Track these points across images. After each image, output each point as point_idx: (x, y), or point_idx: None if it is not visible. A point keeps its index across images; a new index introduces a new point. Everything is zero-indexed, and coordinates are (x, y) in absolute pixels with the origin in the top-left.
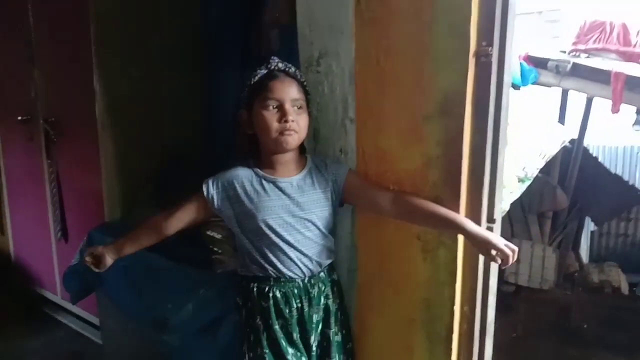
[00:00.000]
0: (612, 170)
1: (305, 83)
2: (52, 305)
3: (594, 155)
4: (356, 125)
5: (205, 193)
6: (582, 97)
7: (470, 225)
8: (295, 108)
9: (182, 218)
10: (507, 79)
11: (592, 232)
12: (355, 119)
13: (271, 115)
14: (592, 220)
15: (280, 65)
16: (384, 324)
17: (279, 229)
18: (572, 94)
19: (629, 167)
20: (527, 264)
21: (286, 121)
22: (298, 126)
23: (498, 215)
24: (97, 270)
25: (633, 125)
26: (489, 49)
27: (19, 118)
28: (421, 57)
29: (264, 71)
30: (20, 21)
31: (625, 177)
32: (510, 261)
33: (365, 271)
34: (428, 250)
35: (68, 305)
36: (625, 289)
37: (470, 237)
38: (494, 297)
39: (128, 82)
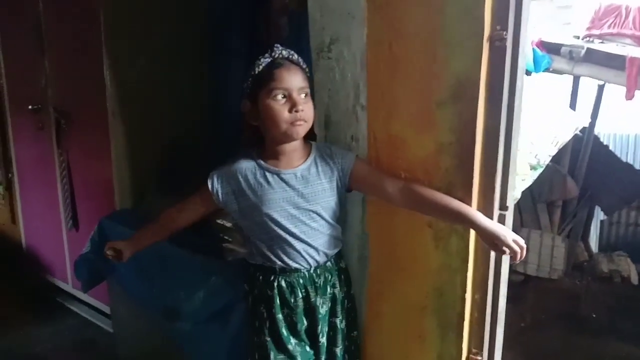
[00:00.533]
0: (623, 159)
1: (307, 70)
2: (63, 293)
3: (605, 143)
4: (367, 111)
5: (210, 187)
6: (593, 85)
7: (480, 218)
8: (302, 96)
9: (191, 212)
10: (522, 64)
11: (601, 222)
12: (367, 106)
13: (280, 106)
14: (601, 210)
15: (284, 52)
16: (395, 311)
17: (283, 222)
18: (583, 80)
19: (639, 155)
20: (536, 254)
21: (297, 111)
22: (306, 115)
23: (511, 203)
24: (117, 262)
25: None
26: (504, 33)
27: (30, 107)
28: (434, 41)
29: (268, 60)
30: (30, 11)
31: (637, 166)
32: (519, 257)
33: (376, 259)
34: (440, 238)
35: (79, 294)
36: (634, 278)
37: (479, 230)
38: (505, 285)
39: (137, 71)
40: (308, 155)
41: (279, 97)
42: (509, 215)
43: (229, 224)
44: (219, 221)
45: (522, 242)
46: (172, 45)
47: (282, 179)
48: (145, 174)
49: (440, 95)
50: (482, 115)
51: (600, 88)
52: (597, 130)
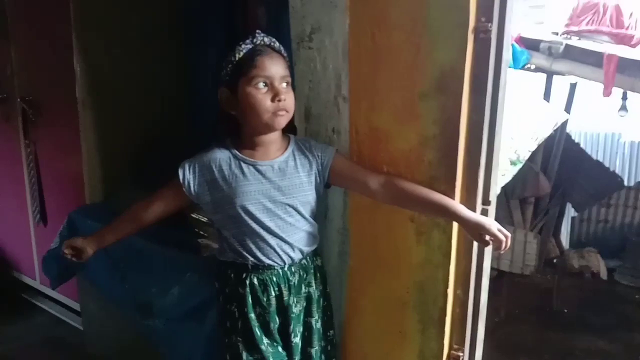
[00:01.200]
0: (594, 157)
1: (287, 58)
2: (31, 290)
3: (576, 141)
4: (349, 103)
5: (180, 178)
6: (565, 83)
7: (462, 210)
8: (284, 85)
9: (160, 206)
10: (506, 57)
11: (572, 218)
12: (349, 97)
13: (262, 95)
14: (572, 206)
15: (265, 39)
16: (376, 307)
17: (258, 215)
18: (555, 79)
19: (609, 154)
20: (508, 250)
21: (279, 100)
22: (288, 105)
23: (493, 198)
24: (77, 261)
25: (619, 110)
26: (489, 25)
27: None
28: (418, 32)
29: (249, 46)
30: None
31: (606, 164)
32: (504, 247)
33: (357, 254)
34: (422, 232)
35: (47, 290)
36: (604, 274)
37: (463, 222)
38: (487, 280)
39: (109, 60)
40: (286, 147)
41: (261, 85)
42: (492, 209)
43: (204, 219)
44: (194, 215)
45: (506, 231)
46: (146, 33)
47: (258, 171)
48: (117, 166)
49: (423, 87)
50: (465, 108)
51: (573, 86)
52: (569, 128)
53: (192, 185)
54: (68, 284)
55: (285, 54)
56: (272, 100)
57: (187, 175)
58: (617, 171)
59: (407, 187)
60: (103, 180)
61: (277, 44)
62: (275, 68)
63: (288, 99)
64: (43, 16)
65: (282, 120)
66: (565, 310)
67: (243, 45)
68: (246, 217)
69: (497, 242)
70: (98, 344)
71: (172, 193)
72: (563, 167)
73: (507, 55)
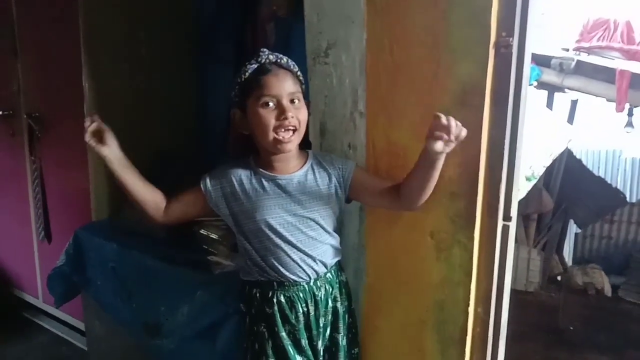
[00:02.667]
0: (596, 173)
1: (298, 73)
2: (33, 309)
3: (578, 157)
4: (366, 118)
5: (202, 188)
6: (567, 99)
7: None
8: (296, 101)
9: (181, 207)
10: (526, 72)
11: (576, 235)
12: (366, 113)
13: (269, 114)
14: (575, 223)
15: (271, 57)
16: (394, 325)
17: (280, 229)
18: (557, 96)
19: (611, 171)
20: (512, 266)
21: (285, 118)
22: (297, 121)
23: (514, 213)
24: (90, 140)
25: (625, 127)
26: (510, 40)
27: (0, 113)
28: (437, 47)
29: (255, 65)
30: (1, 10)
31: (608, 180)
32: (454, 129)
33: (374, 271)
34: (442, 249)
35: (50, 309)
36: (608, 290)
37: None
38: (508, 298)
39: (118, 77)
40: (305, 161)
41: (269, 104)
42: (512, 225)
43: (214, 236)
44: (202, 232)
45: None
46: (156, 52)
47: (277, 185)
48: None
49: (443, 102)
50: (486, 123)
51: (574, 103)
52: (570, 145)
53: (213, 195)
54: (72, 303)
55: (295, 69)
56: (278, 118)
57: (209, 186)
58: (619, 187)
59: (404, 179)
60: (109, 197)
61: (284, 60)
62: (281, 86)
63: (298, 115)
64: (52, 34)
65: (288, 146)
66: (571, 328)
67: (249, 66)
68: (268, 231)
69: (444, 127)
70: None
71: (193, 198)
72: (565, 183)
73: (527, 70)
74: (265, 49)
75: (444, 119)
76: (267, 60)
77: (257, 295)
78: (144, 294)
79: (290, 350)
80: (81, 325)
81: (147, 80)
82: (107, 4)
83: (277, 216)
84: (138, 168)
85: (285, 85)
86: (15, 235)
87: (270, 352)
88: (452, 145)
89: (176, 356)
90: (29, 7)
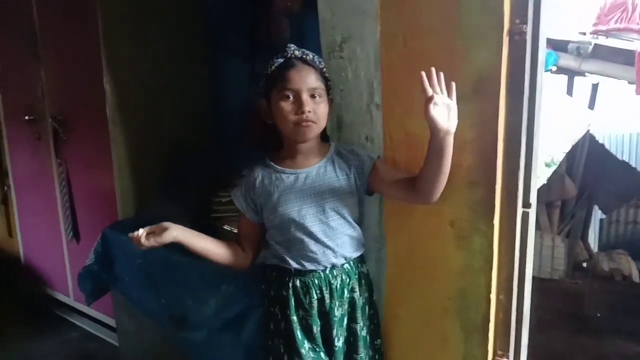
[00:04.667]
0: (619, 158)
1: (324, 69)
2: (64, 306)
3: (601, 142)
4: (383, 110)
5: (242, 209)
6: (587, 83)
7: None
8: (316, 97)
9: (249, 241)
10: (541, 58)
11: (600, 220)
12: (382, 104)
13: (288, 106)
14: (600, 209)
15: (297, 52)
16: (416, 314)
17: (302, 221)
18: (577, 80)
19: (635, 154)
20: (536, 254)
21: (302, 112)
22: (316, 116)
23: (534, 200)
24: (148, 243)
25: None
26: (523, 27)
27: (26, 117)
28: (451, 36)
29: (281, 60)
30: (24, 18)
31: (633, 164)
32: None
33: (395, 261)
34: (462, 237)
35: (80, 306)
36: (635, 276)
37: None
38: (530, 285)
39: (136, 77)
40: (325, 154)
41: (288, 97)
42: (532, 212)
43: (236, 230)
44: (226, 227)
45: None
46: (172, 49)
47: (298, 179)
48: (147, 182)
49: (459, 91)
50: (503, 111)
51: (595, 87)
52: (592, 129)
53: (254, 213)
54: (101, 300)
55: (320, 65)
56: (297, 112)
57: (243, 203)
58: None
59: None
60: (134, 196)
61: (310, 56)
62: (303, 80)
63: (317, 110)
64: (72, 38)
65: (307, 131)
66: (598, 315)
67: (276, 60)
68: (291, 225)
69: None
70: (133, 357)
71: (249, 226)
72: (588, 169)
73: (542, 56)
74: (292, 45)
75: (424, 74)
76: (293, 55)
77: (275, 278)
78: (171, 289)
79: (299, 334)
80: (110, 322)
81: (163, 77)
82: (124, 4)
83: (299, 209)
84: (157, 163)
85: (307, 80)
86: (45, 236)
87: (281, 333)
88: (454, 117)
89: (204, 348)
90: (50, 12)
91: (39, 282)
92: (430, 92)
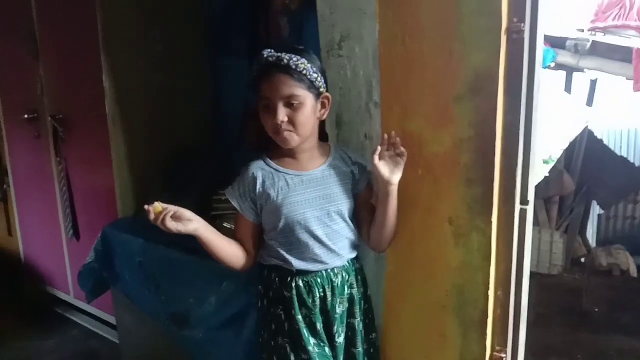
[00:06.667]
0: (618, 153)
1: (304, 72)
2: (64, 304)
3: (599, 137)
4: (381, 109)
5: (241, 212)
6: (586, 79)
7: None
8: (294, 104)
9: (249, 240)
10: (539, 57)
11: (599, 216)
12: (381, 103)
13: (266, 115)
14: (598, 204)
15: (270, 59)
16: (415, 310)
17: (306, 223)
18: (575, 76)
19: (633, 150)
20: (535, 249)
21: (275, 123)
22: (290, 125)
23: (531, 197)
24: (168, 225)
25: None
26: (521, 25)
27: (25, 116)
28: (449, 35)
29: (258, 67)
30: (23, 15)
31: (631, 160)
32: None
33: (394, 258)
34: (460, 235)
35: (80, 304)
36: (633, 271)
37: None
38: (527, 281)
39: (136, 75)
40: (327, 155)
41: (265, 105)
42: (530, 209)
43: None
44: (226, 225)
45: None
46: (171, 48)
47: (302, 181)
48: (147, 180)
49: (457, 90)
50: (501, 109)
51: (593, 83)
52: (590, 125)
53: (251, 212)
54: (102, 298)
55: (299, 69)
56: (272, 119)
57: (241, 203)
58: None
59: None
60: (134, 194)
61: (284, 61)
62: (274, 89)
63: (293, 118)
64: (71, 35)
65: (287, 140)
66: (596, 310)
67: (255, 66)
68: (295, 227)
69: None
70: (133, 356)
71: (247, 226)
72: (587, 164)
73: (539, 54)
74: (266, 50)
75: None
76: (265, 62)
77: (276, 279)
78: (171, 286)
79: (305, 332)
80: (111, 319)
81: (163, 76)
82: (124, 4)
83: (303, 211)
84: (157, 162)
85: (279, 89)
86: (45, 234)
87: (286, 333)
88: (398, 172)
89: (204, 345)
90: (49, 10)
91: (39, 280)
92: (378, 146)
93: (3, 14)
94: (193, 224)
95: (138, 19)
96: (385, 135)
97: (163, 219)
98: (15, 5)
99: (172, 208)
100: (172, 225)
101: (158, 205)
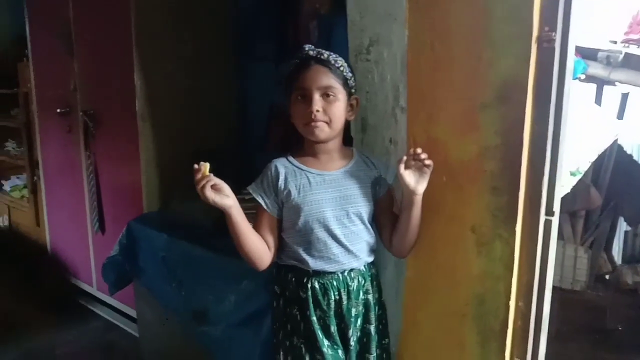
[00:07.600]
0: None
1: (343, 69)
2: (87, 296)
3: (629, 153)
4: (407, 114)
5: (262, 204)
6: (617, 93)
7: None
8: (330, 96)
9: (272, 236)
10: (570, 66)
11: (625, 232)
12: (407, 108)
13: (299, 106)
14: (625, 220)
15: (311, 52)
16: (433, 318)
17: (326, 223)
18: (606, 89)
19: None
20: (558, 264)
21: (310, 111)
22: (326, 116)
23: (557, 208)
24: (209, 194)
25: None
26: (552, 34)
27: (58, 110)
28: (479, 42)
29: (296, 61)
30: (60, 14)
31: None
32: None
33: (415, 265)
34: (483, 244)
35: (103, 296)
36: None
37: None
38: (549, 292)
39: (165, 75)
40: (349, 159)
41: (301, 97)
42: (555, 220)
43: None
44: None
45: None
46: (200, 50)
47: (325, 180)
48: (172, 177)
49: (485, 98)
50: (529, 118)
51: (625, 96)
52: (620, 140)
53: (276, 208)
54: (123, 291)
55: (337, 65)
56: (305, 110)
57: (265, 198)
58: None
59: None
60: (160, 190)
61: (325, 55)
62: (313, 79)
63: (328, 110)
64: (105, 34)
65: (318, 131)
66: (619, 328)
67: (292, 61)
68: (314, 226)
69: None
70: (153, 349)
71: (271, 222)
72: (615, 179)
73: (570, 64)
74: (307, 45)
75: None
76: (306, 55)
77: (292, 279)
78: (192, 283)
79: (320, 334)
80: (132, 312)
81: (191, 77)
82: (156, 6)
83: (323, 211)
84: (182, 161)
85: (318, 79)
86: (71, 226)
87: (301, 333)
88: (422, 182)
89: (222, 343)
90: (85, 8)
91: (64, 271)
92: (404, 156)
93: (42, 14)
94: (230, 200)
95: (169, 21)
96: (412, 150)
97: (204, 186)
98: (54, 5)
99: (216, 180)
100: (210, 194)
101: (207, 167)
